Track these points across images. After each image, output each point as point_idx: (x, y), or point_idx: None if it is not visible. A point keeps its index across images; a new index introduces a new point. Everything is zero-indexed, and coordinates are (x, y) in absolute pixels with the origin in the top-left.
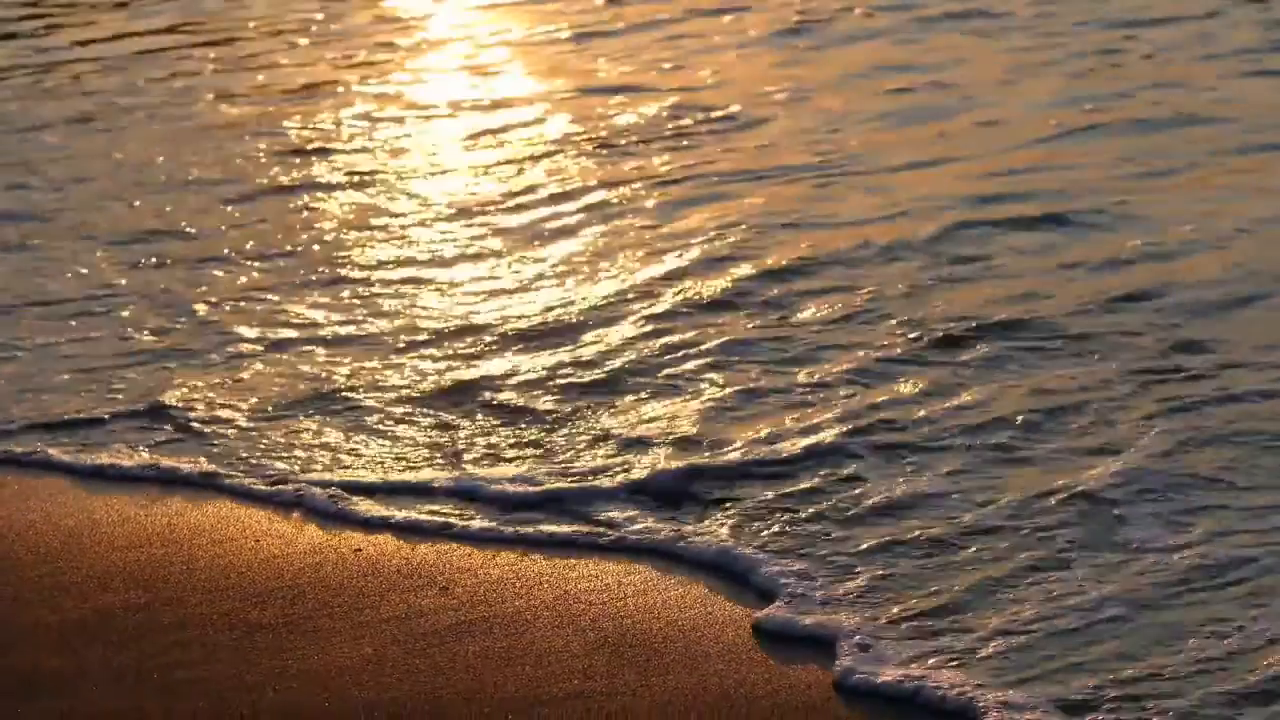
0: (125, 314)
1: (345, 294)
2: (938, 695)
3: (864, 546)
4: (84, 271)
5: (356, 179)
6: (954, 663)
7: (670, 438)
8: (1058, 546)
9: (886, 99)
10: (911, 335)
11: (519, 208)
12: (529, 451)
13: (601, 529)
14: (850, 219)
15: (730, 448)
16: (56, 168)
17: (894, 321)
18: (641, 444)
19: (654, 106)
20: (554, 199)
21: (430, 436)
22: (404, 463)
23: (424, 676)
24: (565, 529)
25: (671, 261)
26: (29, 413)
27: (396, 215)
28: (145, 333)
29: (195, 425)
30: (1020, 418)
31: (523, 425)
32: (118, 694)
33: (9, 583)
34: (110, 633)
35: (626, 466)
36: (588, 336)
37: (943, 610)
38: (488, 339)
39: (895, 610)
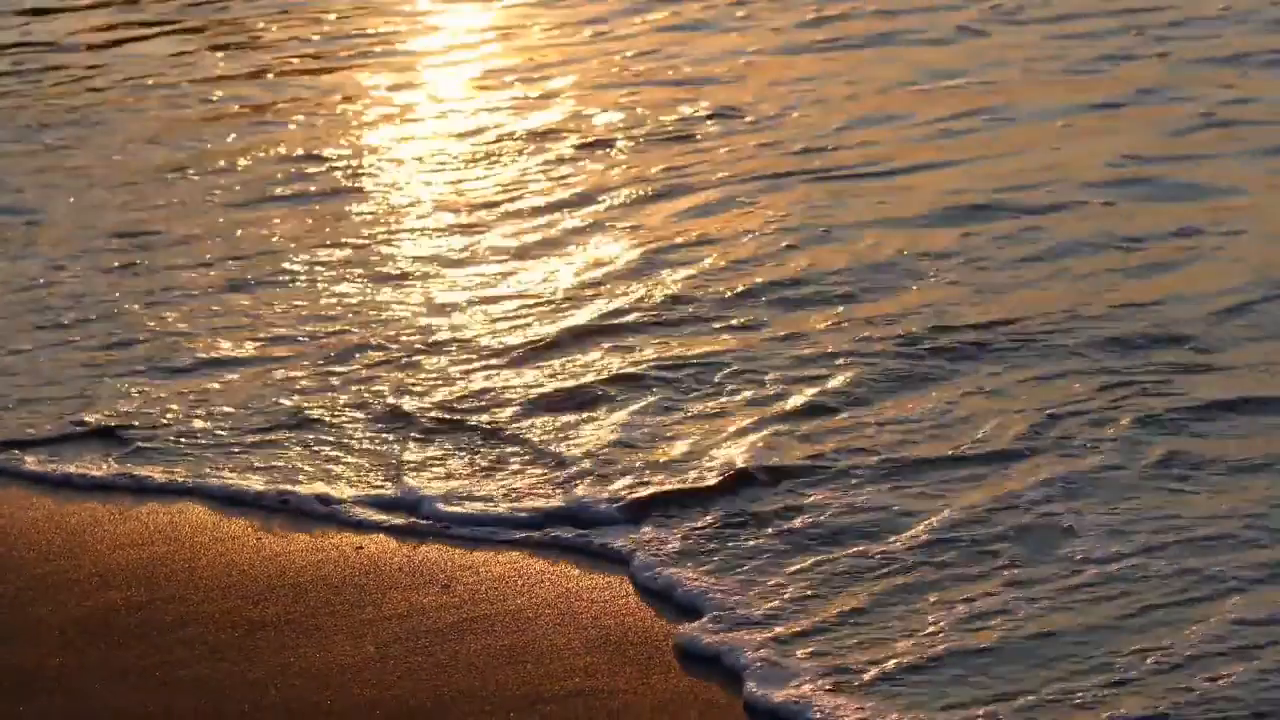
0: (97, 321)
1: (324, 303)
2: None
3: (801, 565)
4: (62, 277)
5: (353, 183)
6: (852, 685)
7: (631, 454)
8: (999, 562)
9: (895, 101)
10: (887, 345)
11: (510, 214)
12: (485, 471)
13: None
14: (846, 221)
15: (687, 463)
16: (50, 168)
17: (873, 330)
18: (597, 462)
19: (663, 105)
20: (554, 204)
21: (374, 451)
22: (352, 479)
23: (426, 674)
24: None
25: (660, 267)
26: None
27: (383, 219)
28: (115, 342)
29: (169, 437)
30: (982, 428)
31: (480, 442)
32: (119, 692)
33: (11, 581)
34: (112, 631)
35: (580, 484)
36: (562, 347)
37: (862, 629)
38: (457, 351)
39: (813, 629)
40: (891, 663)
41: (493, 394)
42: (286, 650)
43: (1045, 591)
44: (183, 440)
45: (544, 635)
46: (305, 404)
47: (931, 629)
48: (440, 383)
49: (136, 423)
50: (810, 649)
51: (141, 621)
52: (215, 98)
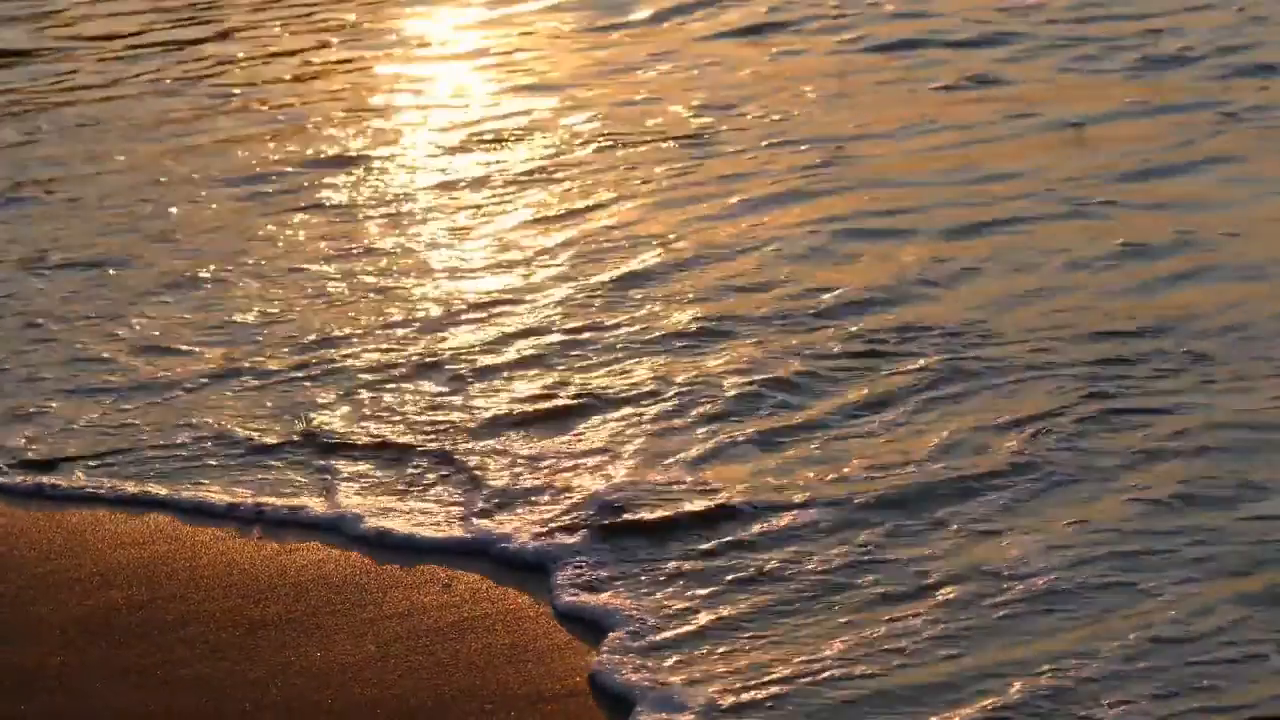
0: (57, 336)
1: (294, 315)
2: None
3: (722, 588)
4: (35, 290)
5: (346, 188)
6: (736, 713)
7: (569, 476)
8: (925, 582)
9: (907, 109)
10: (856, 362)
11: (499, 225)
12: (424, 491)
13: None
14: (844, 233)
15: (626, 488)
16: (47, 174)
17: (845, 345)
18: (530, 485)
19: (673, 111)
20: (545, 214)
21: (304, 466)
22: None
23: (426, 673)
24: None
25: (642, 281)
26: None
27: (371, 223)
28: (75, 358)
29: (145, 452)
30: (940, 445)
31: (427, 463)
32: (121, 691)
33: (12, 580)
34: (113, 630)
35: (510, 507)
36: (525, 365)
37: (764, 656)
38: (417, 365)
39: (717, 657)
40: (776, 689)
41: (451, 412)
42: (287, 649)
43: (959, 614)
44: (155, 457)
45: (545, 633)
46: (265, 422)
47: (835, 656)
48: (397, 399)
49: (105, 446)
50: (705, 676)
51: (142, 620)
52: (220, 98)
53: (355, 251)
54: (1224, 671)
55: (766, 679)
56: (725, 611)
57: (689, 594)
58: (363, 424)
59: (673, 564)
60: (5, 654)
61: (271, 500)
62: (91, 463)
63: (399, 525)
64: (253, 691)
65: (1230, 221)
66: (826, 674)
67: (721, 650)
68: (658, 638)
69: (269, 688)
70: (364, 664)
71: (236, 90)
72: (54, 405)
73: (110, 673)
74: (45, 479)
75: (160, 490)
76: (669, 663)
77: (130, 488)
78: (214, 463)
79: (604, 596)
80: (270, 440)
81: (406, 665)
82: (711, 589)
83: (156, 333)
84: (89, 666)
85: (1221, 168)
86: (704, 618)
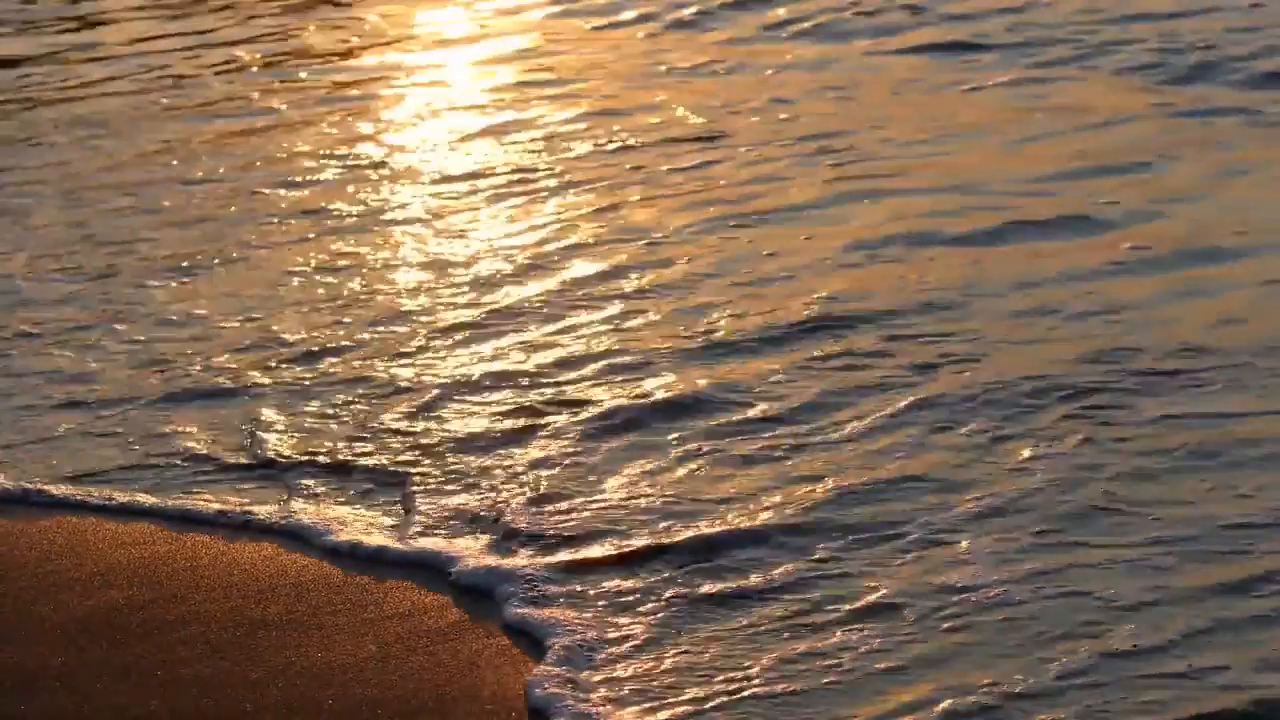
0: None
1: (280, 323)
2: None
3: (657, 609)
4: (26, 293)
5: (341, 192)
6: None
7: (527, 497)
8: (874, 596)
9: (920, 111)
10: (835, 376)
11: (494, 232)
12: (385, 506)
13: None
14: (845, 244)
15: (577, 508)
16: (45, 174)
17: (828, 358)
18: (487, 502)
19: (689, 119)
20: (535, 223)
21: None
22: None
23: (427, 674)
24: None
25: (616, 281)
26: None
27: (364, 227)
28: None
29: (120, 470)
30: (910, 453)
31: (390, 478)
32: (121, 691)
33: (13, 579)
34: (113, 630)
35: (463, 525)
36: (489, 380)
37: (694, 672)
38: (390, 377)
39: (643, 678)
40: (693, 708)
41: (425, 424)
42: (288, 649)
43: (908, 627)
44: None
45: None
46: (230, 436)
47: (761, 675)
48: (373, 410)
49: (88, 455)
50: (629, 694)
51: (144, 620)
52: (223, 98)
53: (346, 258)
54: (1174, 684)
55: (687, 698)
56: (669, 629)
57: (636, 611)
58: (338, 436)
59: (626, 582)
60: (7, 654)
61: (231, 511)
62: (74, 472)
63: (369, 539)
64: (253, 691)
65: (1237, 225)
66: (748, 693)
67: (653, 667)
68: (597, 655)
69: (269, 688)
70: (364, 664)
71: (241, 90)
72: (34, 415)
73: (111, 673)
74: (31, 485)
75: (148, 499)
76: (597, 679)
77: (119, 496)
78: (182, 478)
79: (551, 611)
80: (237, 457)
81: (407, 666)
82: (658, 605)
83: (141, 337)
84: (90, 666)
85: (1234, 172)
86: (646, 634)
